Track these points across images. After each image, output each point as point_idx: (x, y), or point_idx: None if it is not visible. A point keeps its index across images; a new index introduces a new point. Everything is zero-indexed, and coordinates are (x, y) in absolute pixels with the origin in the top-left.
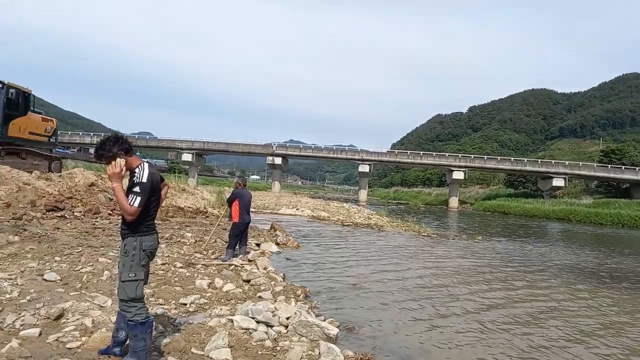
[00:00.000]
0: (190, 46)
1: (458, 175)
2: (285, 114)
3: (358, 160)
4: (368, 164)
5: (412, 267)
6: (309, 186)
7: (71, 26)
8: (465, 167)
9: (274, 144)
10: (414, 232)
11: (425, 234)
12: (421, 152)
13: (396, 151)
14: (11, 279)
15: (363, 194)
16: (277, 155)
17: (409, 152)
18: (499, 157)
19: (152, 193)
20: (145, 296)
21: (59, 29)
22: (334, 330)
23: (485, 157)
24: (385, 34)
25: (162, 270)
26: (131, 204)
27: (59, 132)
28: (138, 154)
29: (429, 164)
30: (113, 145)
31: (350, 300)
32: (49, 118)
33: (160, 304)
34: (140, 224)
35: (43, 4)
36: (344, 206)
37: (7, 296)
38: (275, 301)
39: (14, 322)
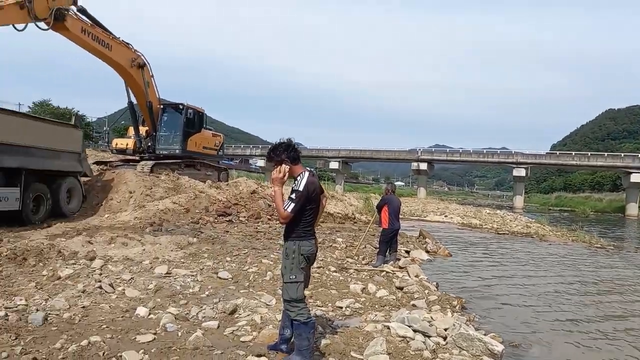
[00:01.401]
0: (336, 61)
1: (638, 178)
2: (429, 120)
3: (512, 163)
4: (524, 168)
5: (586, 282)
6: (456, 192)
7: (232, 50)
8: None
9: (419, 150)
10: (584, 243)
11: (599, 245)
12: (589, 153)
13: (557, 152)
14: (193, 275)
15: (519, 200)
16: (423, 160)
17: (573, 153)
18: None
19: (308, 201)
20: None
21: (218, 53)
22: (498, 347)
23: None
24: (541, 32)
25: (318, 273)
26: (285, 208)
27: (225, 146)
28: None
29: (600, 165)
30: (283, 151)
31: (511, 314)
32: (217, 133)
33: (318, 306)
34: (299, 229)
35: (210, 34)
36: (497, 213)
37: (191, 291)
38: (430, 310)
39: (197, 314)
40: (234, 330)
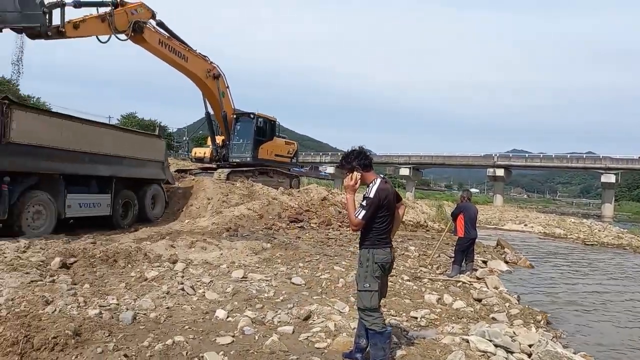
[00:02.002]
0: (404, 67)
1: None
2: (504, 123)
3: (600, 169)
4: (614, 173)
5: None
6: (536, 199)
7: (304, 60)
8: None
9: (495, 155)
10: None
11: None
12: None
13: None
14: (267, 280)
15: (608, 209)
16: (499, 166)
17: None
18: None
19: (380, 208)
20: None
21: (290, 64)
22: None
23: None
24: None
25: (391, 282)
26: (356, 215)
27: (299, 153)
28: None
29: None
30: (354, 159)
31: (603, 332)
32: (291, 141)
33: (392, 315)
34: (372, 237)
35: (280, 46)
36: (583, 222)
37: (266, 295)
38: (512, 325)
39: (272, 318)
40: (308, 336)
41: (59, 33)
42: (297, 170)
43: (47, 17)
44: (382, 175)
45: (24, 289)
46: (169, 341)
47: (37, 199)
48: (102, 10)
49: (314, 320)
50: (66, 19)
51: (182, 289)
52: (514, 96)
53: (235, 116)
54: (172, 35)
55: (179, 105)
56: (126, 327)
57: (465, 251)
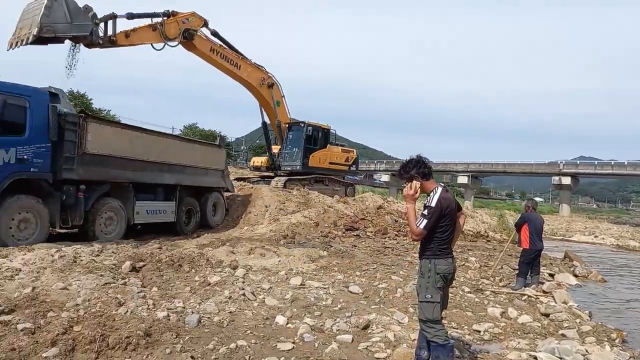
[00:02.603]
0: (460, 72)
1: None
2: (568, 130)
3: None
4: None
5: None
6: (607, 209)
7: (355, 72)
8: None
9: (561, 162)
10: None
11: None
12: None
13: None
14: (325, 288)
15: None
16: (565, 174)
17: None
18: None
19: (442, 217)
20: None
21: (355, 78)
22: None
23: None
24: None
25: (451, 293)
26: (418, 225)
27: (358, 161)
28: None
29: None
30: (412, 168)
31: None
32: (349, 149)
33: (454, 328)
34: (433, 247)
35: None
36: None
37: (324, 303)
38: (584, 342)
39: (331, 326)
40: (368, 346)
41: (110, 42)
42: (351, 178)
43: (98, 27)
44: (442, 184)
45: (99, 290)
46: (233, 345)
47: (109, 205)
48: (155, 20)
49: (372, 330)
50: (119, 30)
51: (243, 294)
52: (583, 102)
53: (287, 125)
54: (227, 44)
55: (237, 115)
56: (192, 329)
57: (530, 263)
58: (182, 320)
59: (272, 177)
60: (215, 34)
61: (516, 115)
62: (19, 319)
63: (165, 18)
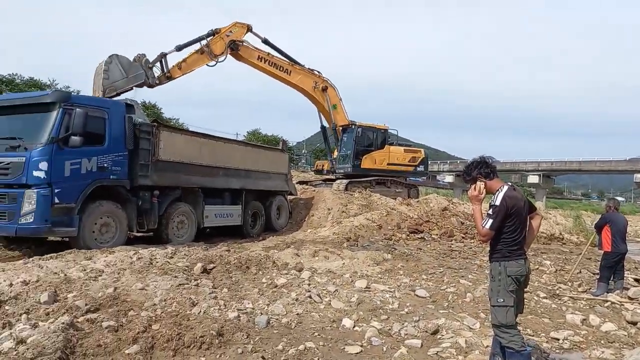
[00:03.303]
0: (526, 68)
1: None
2: None
3: None
4: None
5: None
6: None
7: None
8: None
9: None
10: None
11: None
12: None
13: None
14: (391, 291)
15: None
16: None
17: None
18: None
19: (508, 217)
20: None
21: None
22: None
23: None
24: None
25: (526, 298)
26: (483, 225)
27: (427, 161)
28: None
29: None
30: (474, 169)
31: None
32: (415, 149)
33: (530, 335)
34: (502, 248)
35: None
36: None
37: (390, 306)
38: None
39: (399, 330)
40: (438, 352)
41: (167, 78)
42: (413, 179)
43: (152, 70)
44: (509, 183)
45: (174, 291)
46: (301, 347)
47: (180, 210)
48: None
49: (442, 335)
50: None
51: (310, 297)
52: None
53: (342, 127)
54: (278, 51)
55: (298, 120)
56: (261, 330)
57: (613, 267)
58: (251, 321)
59: (334, 180)
60: (266, 41)
61: (594, 109)
62: (104, 317)
63: (210, 38)
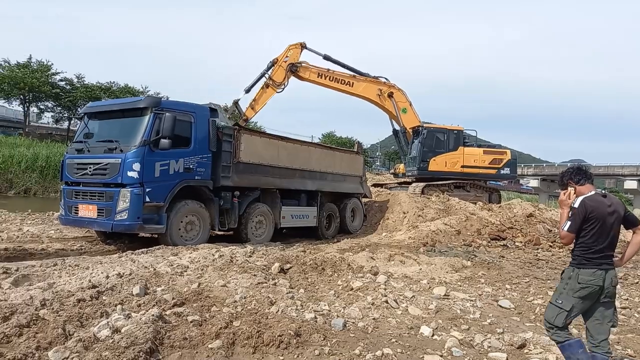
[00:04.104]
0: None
1: None
2: None
3: None
4: None
5: None
6: None
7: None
8: None
9: None
10: None
11: None
12: None
13: None
14: (472, 300)
15: None
16: None
17: None
18: None
19: (586, 221)
20: (610, 343)
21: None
22: None
23: None
24: None
25: (624, 315)
26: (562, 227)
27: (514, 163)
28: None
29: None
30: (565, 175)
31: None
32: (498, 150)
33: (631, 356)
34: (578, 255)
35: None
36: None
37: (471, 316)
38: None
39: (482, 342)
40: None
41: (244, 121)
42: (494, 183)
43: (233, 116)
44: (600, 190)
45: (253, 289)
46: (379, 352)
47: (259, 210)
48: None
49: (530, 350)
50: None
51: (386, 302)
52: None
53: (412, 130)
54: (339, 64)
55: (372, 122)
56: (338, 333)
57: None
58: (328, 323)
59: (410, 183)
60: (326, 57)
61: None
62: (189, 312)
63: (270, 71)
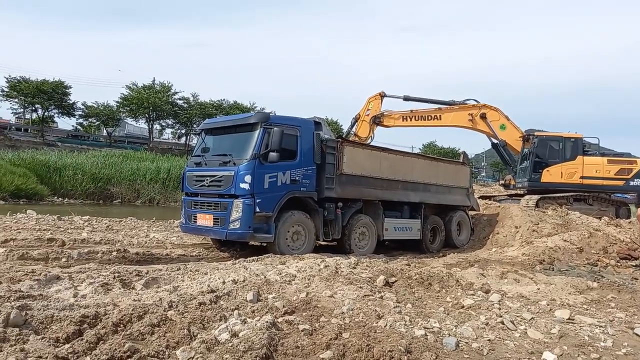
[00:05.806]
0: None
1: None
2: None
3: None
4: None
5: None
6: None
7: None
8: None
9: None
10: None
11: None
12: None
13: None
14: (601, 326)
15: None
16: None
17: None
18: None
19: None
20: None
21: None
22: None
23: None
24: None
25: None
26: None
27: None
28: None
29: None
30: None
31: None
32: (627, 159)
33: None
34: None
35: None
36: None
37: (602, 344)
38: None
39: None
40: None
41: None
42: (620, 196)
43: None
44: None
45: (359, 301)
46: None
47: (362, 222)
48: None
49: None
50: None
51: (502, 322)
52: None
53: (521, 138)
54: (421, 100)
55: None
56: (450, 352)
57: None
58: (439, 341)
59: (522, 196)
60: (406, 98)
61: None
62: (299, 320)
63: (354, 128)
